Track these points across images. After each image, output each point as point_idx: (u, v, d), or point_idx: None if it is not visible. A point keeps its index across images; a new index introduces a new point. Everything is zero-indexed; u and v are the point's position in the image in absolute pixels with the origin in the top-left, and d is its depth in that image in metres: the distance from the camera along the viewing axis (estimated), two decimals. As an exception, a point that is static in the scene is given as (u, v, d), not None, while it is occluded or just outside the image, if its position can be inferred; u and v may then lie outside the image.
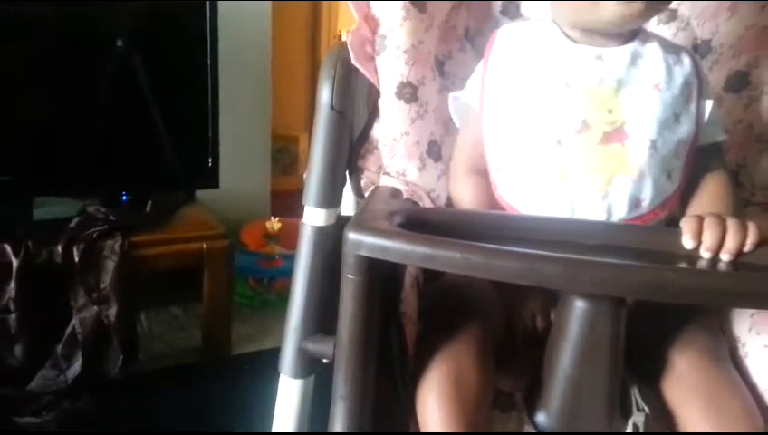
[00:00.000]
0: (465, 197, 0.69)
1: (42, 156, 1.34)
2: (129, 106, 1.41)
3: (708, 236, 0.53)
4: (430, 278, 0.70)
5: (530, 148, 0.63)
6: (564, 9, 0.64)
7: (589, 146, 0.61)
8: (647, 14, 0.60)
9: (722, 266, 0.53)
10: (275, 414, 0.73)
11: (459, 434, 0.54)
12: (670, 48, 0.65)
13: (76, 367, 1.28)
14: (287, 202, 1.68)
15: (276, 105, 1.98)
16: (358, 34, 0.74)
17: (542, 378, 0.58)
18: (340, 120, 0.72)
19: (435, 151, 0.77)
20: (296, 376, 0.69)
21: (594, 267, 0.46)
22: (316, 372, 0.71)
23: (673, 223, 0.60)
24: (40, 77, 1.32)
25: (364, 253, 0.50)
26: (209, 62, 1.45)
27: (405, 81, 0.74)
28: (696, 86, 0.64)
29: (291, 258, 0.74)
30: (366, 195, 0.73)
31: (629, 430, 0.56)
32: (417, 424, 0.57)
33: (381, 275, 0.54)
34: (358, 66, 0.73)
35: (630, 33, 0.64)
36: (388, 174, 0.76)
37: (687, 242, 0.54)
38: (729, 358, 0.62)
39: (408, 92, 0.75)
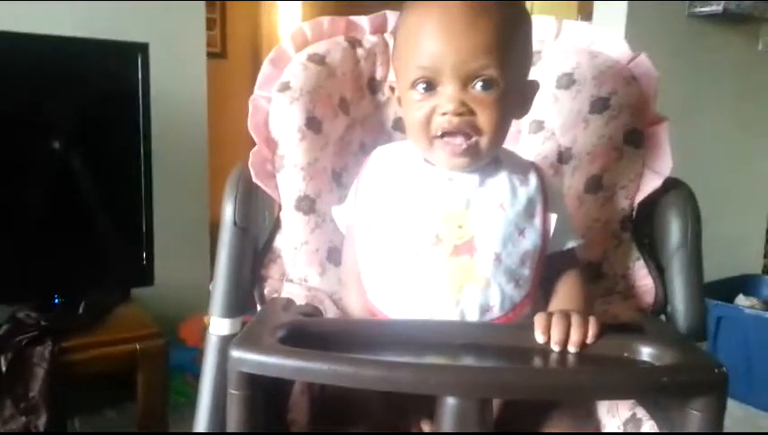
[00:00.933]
0: (355, 305, 0.75)
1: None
2: (59, 205, 1.42)
3: (555, 331, 0.61)
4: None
5: (392, 258, 0.71)
6: (417, 147, 0.73)
7: (441, 258, 0.68)
8: (475, 162, 0.69)
9: (569, 358, 0.60)
10: None
11: None
12: (519, 167, 0.74)
13: (2, 482, 1.25)
14: (225, 295, 1.70)
15: (214, 195, 2.01)
16: (258, 155, 0.82)
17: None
18: (242, 235, 0.79)
19: (335, 257, 0.84)
20: (204, 483, 0.72)
21: (442, 372, 0.53)
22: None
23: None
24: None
25: (245, 369, 0.56)
26: (143, 158, 1.47)
27: (303, 194, 0.82)
28: (541, 202, 0.73)
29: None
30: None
31: None
32: None
33: (266, 387, 0.59)
34: (258, 183, 0.81)
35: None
36: (291, 281, 0.82)
37: (539, 337, 0.61)
38: (594, 438, 0.69)
39: (306, 205, 0.83)
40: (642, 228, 0.83)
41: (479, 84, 0.66)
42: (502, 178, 0.72)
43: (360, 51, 0.92)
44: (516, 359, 0.61)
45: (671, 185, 0.80)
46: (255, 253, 0.81)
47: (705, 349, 0.73)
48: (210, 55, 2.06)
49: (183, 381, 1.70)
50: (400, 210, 0.71)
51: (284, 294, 0.80)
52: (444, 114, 0.66)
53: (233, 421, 0.57)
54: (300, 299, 0.78)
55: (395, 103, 0.95)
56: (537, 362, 0.61)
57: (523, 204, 0.71)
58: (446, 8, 0.65)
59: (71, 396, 1.37)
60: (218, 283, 0.77)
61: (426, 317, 0.68)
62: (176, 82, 1.80)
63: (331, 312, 0.79)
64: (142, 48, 1.48)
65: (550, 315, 0.63)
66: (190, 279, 1.88)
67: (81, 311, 1.44)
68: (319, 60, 0.87)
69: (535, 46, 0.80)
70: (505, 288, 0.69)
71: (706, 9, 2.11)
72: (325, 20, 0.91)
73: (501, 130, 0.69)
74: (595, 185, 0.84)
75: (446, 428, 0.59)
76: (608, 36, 0.89)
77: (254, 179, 0.80)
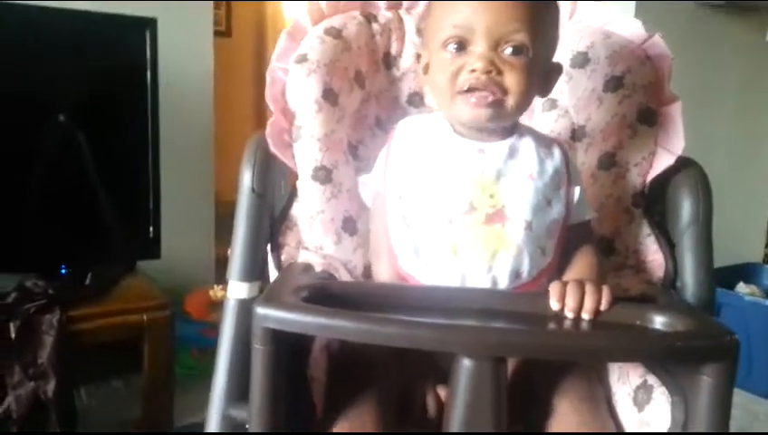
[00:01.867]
0: (385, 272, 0.76)
1: (-22, 231, 1.34)
2: (68, 178, 1.43)
3: (570, 299, 0.63)
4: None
5: (425, 225, 0.72)
6: (440, 108, 0.74)
7: (475, 225, 0.71)
8: (497, 119, 0.71)
9: (583, 325, 0.62)
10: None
11: None
12: (543, 142, 0.77)
13: (10, 446, 1.26)
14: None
15: (220, 171, 2.01)
16: (276, 125, 0.83)
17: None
18: (260, 202, 0.80)
19: (350, 227, 0.85)
20: (220, 442, 0.74)
21: (459, 332, 0.55)
22: (240, 437, 0.75)
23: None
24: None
25: (270, 325, 0.57)
26: (150, 130, 1.48)
27: (319, 165, 0.83)
28: (566, 175, 0.75)
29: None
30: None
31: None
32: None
33: (289, 344, 0.61)
34: (276, 153, 0.82)
35: (508, 128, 0.75)
36: (307, 249, 0.83)
37: (554, 304, 0.63)
38: (605, 404, 0.71)
39: (323, 175, 0.84)
40: (654, 205, 0.84)
41: (509, 49, 0.68)
42: (530, 151, 0.74)
43: (375, 26, 0.93)
44: (532, 324, 0.63)
45: (683, 163, 0.82)
46: (272, 220, 0.82)
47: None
48: (215, 34, 2.06)
49: (188, 354, 1.72)
50: (433, 178, 0.73)
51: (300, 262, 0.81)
52: (472, 71, 0.68)
53: (257, 376, 0.59)
54: (315, 267, 0.79)
55: (410, 78, 0.96)
56: (552, 327, 0.62)
57: (551, 175, 0.73)
58: None
59: (77, 366, 1.39)
60: (236, 247, 0.78)
61: (458, 283, 0.70)
62: (183, 59, 1.80)
63: (345, 280, 0.81)
64: (151, 23, 1.48)
65: (564, 284, 0.64)
66: (195, 254, 1.90)
67: (87, 281, 1.45)
68: (335, 33, 0.88)
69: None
70: (534, 256, 0.71)
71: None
72: (341, -5, 0.92)
73: (526, 96, 0.70)
74: (608, 162, 0.86)
75: (461, 389, 0.61)
76: (622, 17, 0.90)
77: (272, 149, 0.81)
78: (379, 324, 0.55)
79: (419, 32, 0.93)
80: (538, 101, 0.92)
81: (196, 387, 1.64)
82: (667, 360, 0.64)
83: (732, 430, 0.59)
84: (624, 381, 0.71)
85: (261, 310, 0.57)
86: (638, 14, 2.00)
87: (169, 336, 1.47)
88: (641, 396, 0.68)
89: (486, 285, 0.70)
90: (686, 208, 0.79)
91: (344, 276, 0.82)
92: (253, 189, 0.79)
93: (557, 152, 0.76)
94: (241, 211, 0.79)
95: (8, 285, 1.36)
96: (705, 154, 0.85)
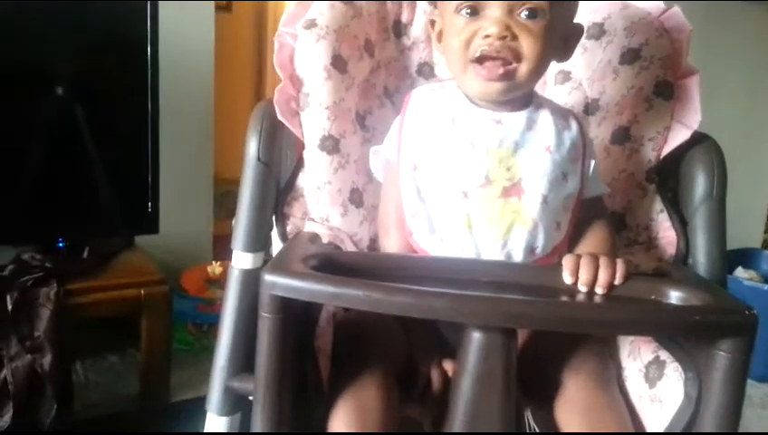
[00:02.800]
0: (396, 244, 0.74)
1: (-26, 203, 1.32)
2: (66, 151, 1.41)
3: (584, 272, 0.61)
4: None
5: (440, 198, 0.70)
6: (454, 77, 0.72)
7: (491, 198, 0.69)
8: (509, 91, 0.68)
9: (596, 299, 0.61)
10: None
11: None
12: (560, 113, 0.74)
13: (6, 418, 1.25)
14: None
15: (220, 149, 2.00)
16: (283, 92, 0.81)
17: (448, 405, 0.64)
18: (265, 171, 0.78)
19: (356, 198, 0.84)
20: (222, 414, 0.72)
21: (474, 301, 0.53)
22: (242, 409, 0.74)
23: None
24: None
25: (278, 292, 0.56)
26: (149, 105, 1.46)
27: (327, 134, 0.81)
28: (582, 147, 0.73)
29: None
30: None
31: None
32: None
33: (296, 313, 0.59)
34: (283, 121, 0.79)
35: (524, 98, 0.72)
36: (313, 220, 0.81)
37: (567, 278, 0.62)
38: (615, 381, 0.70)
39: (330, 145, 0.81)
40: (667, 181, 0.82)
41: (525, 12, 0.65)
42: (547, 122, 0.71)
43: (385, -9, 0.90)
44: (544, 297, 0.61)
45: (698, 139, 0.80)
46: (278, 190, 0.80)
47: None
48: (216, 9, 2.02)
49: (185, 329, 1.71)
50: (448, 150, 0.70)
51: (306, 233, 0.79)
52: (486, 37, 0.65)
53: (263, 345, 0.58)
54: (322, 238, 0.78)
55: (420, 48, 0.94)
56: (566, 299, 0.61)
57: (567, 148, 0.72)
58: None
59: (74, 340, 1.37)
60: (241, 217, 0.76)
61: (472, 257, 0.68)
62: (183, 33, 1.77)
63: (352, 251, 0.79)
64: (152, -3, 1.45)
65: (578, 257, 0.63)
66: (194, 230, 1.88)
67: (85, 255, 1.43)
68: (345, -1, 0.85)
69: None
70: (549, 230, 0.69)
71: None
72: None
73: (542, 62, 0.68)
74: (622, 136, 0.84)
75: (471, 360, 0.59)
76: (639, -11, 0.88)
77: (279, 117, 0.79)
78: (389, 293, 0.54)
79: None
80: (550, 73, 0.90)
81: (193, 363, 1.65)
82: (684, 334, 0.63)
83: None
84: (635, 356, 0.70)
85: (269, 277, 0.56)
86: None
87: (167, 311, 1.45)
88: (653, 372, 0.66)
89: (501, 259, 0.68)
90: (700, 184, 0.78)
91: (350, 248, 0.80)
92: (258, 158, 0.77)
93: (574, 124, 0.74)
94: (246, 180, 0.77)
95: (5, 257, 1.34)
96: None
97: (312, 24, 0.82)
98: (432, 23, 0.74)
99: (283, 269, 0.57)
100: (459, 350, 0.62)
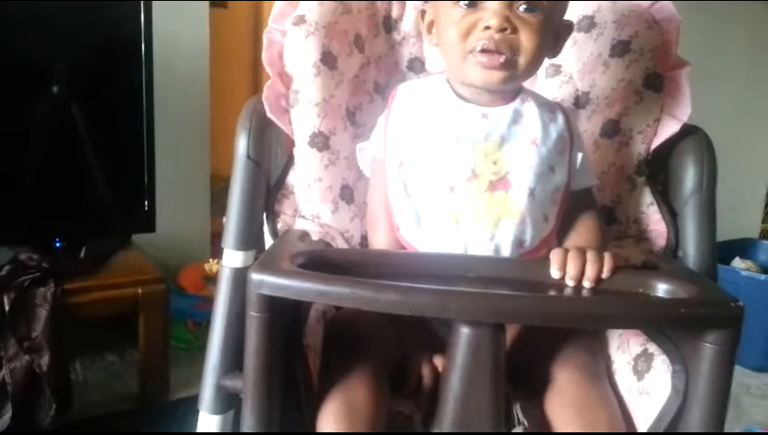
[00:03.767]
0: (383, 241, 0.74)
1: (-29, 203, 1.33)
2: (62, 150, 1.41)
3: (571, 266, 0.61)
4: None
5: (427, 193, 0.70)
6: (449, 68, 0.72)
7: (477, 193, 0.69)
8: (509, 81, 0.68)
9: (584, 293, 0.61)
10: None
11: None
12: (546, 106, 0.74)
13: (6, 418, 1.25)
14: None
15: (216, 146, 2.00)
16: (273, 89, 0.81)
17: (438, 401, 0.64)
18: (255, 169, 0.78)
19: (347, 195, 0.84)
20: (214, 412, 0.73)
21: (461, 297, 0.53)
22: (235, 408, 0.74)
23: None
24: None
25: (265, 291, 0.56)
26: (145, 104, 1.46)
27: (317, 131, 0.81)
28: (569, 140, 0.73)
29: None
30: (281, 237, 0.78)
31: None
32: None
33: (285, 312, 0.59)
34: (273, 118, 0.79)
35: (512, 92, 0.73)
36: (304, 217, 0.82)
37: (555, 272, 0.62)
38: (605, 374, 0.70)
39: (321, 142, 0.82)
40: (657, 173, 0.82)
41: (523, 6, 0.65)
42: (533, 116, 0.71)
43: (375, -13, 0.90)
44: (532, 292, 0.61)
45: (688, 131, 0.80)
46: (268, 187, 0.80)
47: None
48: (210, 5, 2.02)
49: (183, 328, 1.71)
50: (434, 145, 0.70)
51: (297, 231, 0.79)
52: (486, 28, 0.65)
53: (251, 344, 0.58)
54: (312, 235, 0.78)
55: (411, 43, 0.94)
56: (553, 294, 0.61)
57: (554, 141, 0.71)
58: None
59: (72, 339, 1.38)
60: (231, 215, 0.77)
61: (460, 251, 0.68)
62: (178, 31, 1.77)
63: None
64: (146, -6, 1.44)
65: (566, 251, 0.63)
66: (191, 228, 1.89)
67: (82, 255, 1.43)
68: (335, -6, 0.85)
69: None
70: (537, 223, 0.69)
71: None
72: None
73: (539, 55, 0.68)
74: (612, 129, 0.84)
75: (460, 355, 0.59)
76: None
77: (269, 114, 0.79)
78: (377, 291, 0.54)
79: None
80: (541, 67, 0.89)
81: (192, 361, 1.65)
82: (671, 327, 0.63)
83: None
84: (624, 349, 0.70)
85: (256, 276, 0.56)
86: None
87: (164, 310, 1.46)
88: (641, 365, 0.67)
89: (489, 253, 0.68)
90: (689, 175, 0.78)
91: (341, 245, 0.80)
92: (248, 156, 0.77)
93: (560, 117, 0.74)
94: (236, 178, 0.77)
95: (2, 258, 1.34)
96: (702, 128, 0.83)
97: (301, 21, 0.82)
98: (422, 13, 0.74)
99: (271, 268, 0.57)
100: (449, 345, 0.63)
